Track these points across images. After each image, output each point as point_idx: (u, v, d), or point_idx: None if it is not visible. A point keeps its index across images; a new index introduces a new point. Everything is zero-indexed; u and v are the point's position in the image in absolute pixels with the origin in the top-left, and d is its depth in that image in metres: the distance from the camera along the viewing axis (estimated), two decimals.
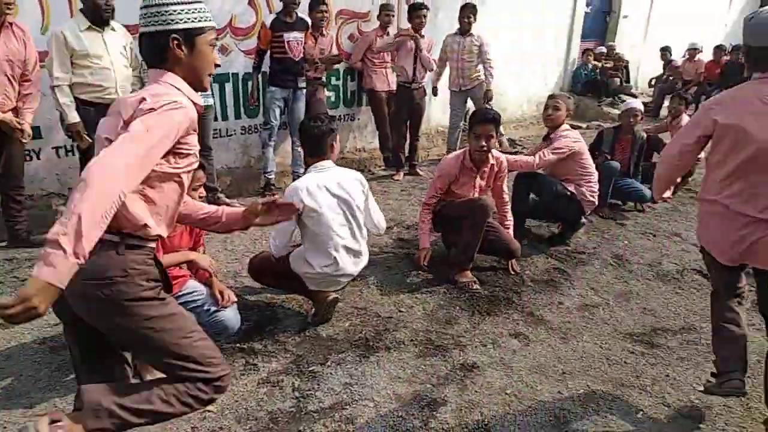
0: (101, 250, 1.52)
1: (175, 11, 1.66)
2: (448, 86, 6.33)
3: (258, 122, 5.44)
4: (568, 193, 4.14)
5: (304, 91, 5.23)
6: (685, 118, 5.49)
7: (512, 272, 3.76)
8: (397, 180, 5.97)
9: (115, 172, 1.41)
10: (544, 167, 4.17)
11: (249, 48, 5.18)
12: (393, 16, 5.89)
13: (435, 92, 6.40)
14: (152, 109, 1.55)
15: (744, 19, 2.34)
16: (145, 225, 1.65)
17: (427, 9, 5.69)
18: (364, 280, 3.61)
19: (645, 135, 5.09)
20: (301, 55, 5.03)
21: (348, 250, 2.99)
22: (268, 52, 4.97)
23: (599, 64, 9.60)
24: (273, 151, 5.23)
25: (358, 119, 6.42)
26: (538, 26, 8.43)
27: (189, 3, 1.69)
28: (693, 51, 9.96)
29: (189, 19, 1.68)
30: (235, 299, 2.78)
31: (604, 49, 9.81)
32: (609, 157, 4.92)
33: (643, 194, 4.94)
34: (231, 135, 5.38)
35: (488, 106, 5.21)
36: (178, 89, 1.69)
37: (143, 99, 1.59)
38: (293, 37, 4.92)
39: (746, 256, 2.23)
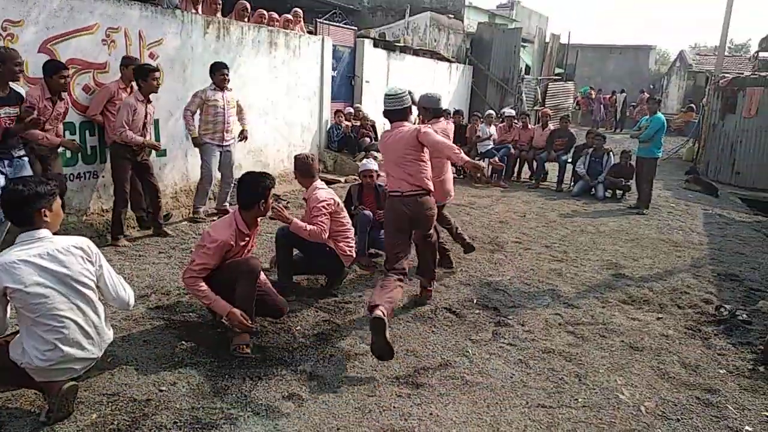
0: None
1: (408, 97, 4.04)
2: (207, 139, 6.17)
3: None
4: (327, 249, 4.29)
5: (26, 159, 4.45)
6: None
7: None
8: (123, 246, 5.31)
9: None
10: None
11: None
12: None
13: (198, 143, 6.21)
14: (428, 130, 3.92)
15: (421, 95, 4.70)
16: None
17: (157, 71, 5.49)
18: (115, 360, 3.16)
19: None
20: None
21: (77, 330, 2.56)
22: None
23: (350, 124, 10.35)
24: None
25: (103, 177, 5.77)
26: (291, 87, 8.79)
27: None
28: None
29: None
30: None
31: (351, 110, 10.65)
32: (363, 209, 5.26)
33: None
34: None
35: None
36: None
37: (420, 129, 3.89)
38: (4, 112, 4.21)
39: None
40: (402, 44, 13.17)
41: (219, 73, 6.09)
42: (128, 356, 3.25)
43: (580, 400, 3.12)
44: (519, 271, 5.33)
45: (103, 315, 2.73)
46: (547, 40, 20.38)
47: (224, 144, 6.28)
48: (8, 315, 2.56)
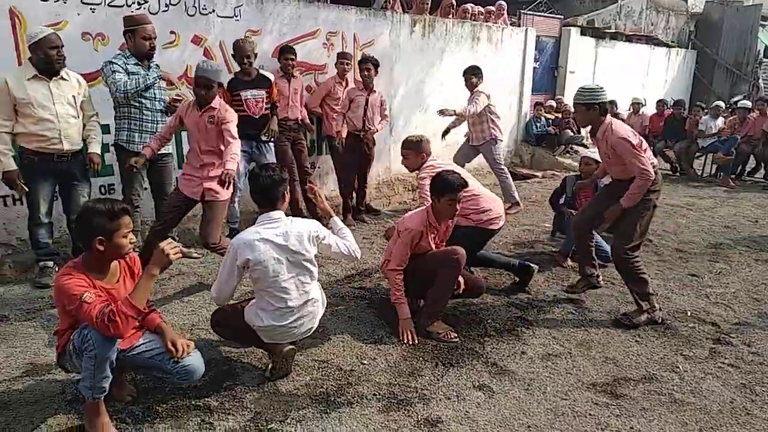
0: None
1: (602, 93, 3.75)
2: (497, 134, 6.67)
3: None
4: (465, 229, 4.05)
5: (271, 144, 5.24)
6: None
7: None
8: (349, 225, 5.92)
9: None
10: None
11: None
12: (349, 64, 5.99)
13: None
14: None
15: None
16: None
17: (374, 63, 5.81)
18: (325, 332, 3.51)
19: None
20: (262, 112, 5.03)
21: (298, 301, 2.90)
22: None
23: (552, 117, 9.97)
24: (238, 205, 5.18)
25: (320, 167, 6.41)
26: (491, 81, 8.72)
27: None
28: (636, 105, 10.45)
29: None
30: (192, 344, 2.63)
31: (553, 103, 10.23)
32: (570, 206, 5.07)
33: (608, 255, 4.55)
34: None
35: None
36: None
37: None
38: (251, 95, 4.95)
39: None
40: (613, 30, 12.25)
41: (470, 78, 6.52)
42: (336, 329, 3.59)
43: None
44: (747, 283, 4.64)
45: (320, 289, 3.07)
46: None
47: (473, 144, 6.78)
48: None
